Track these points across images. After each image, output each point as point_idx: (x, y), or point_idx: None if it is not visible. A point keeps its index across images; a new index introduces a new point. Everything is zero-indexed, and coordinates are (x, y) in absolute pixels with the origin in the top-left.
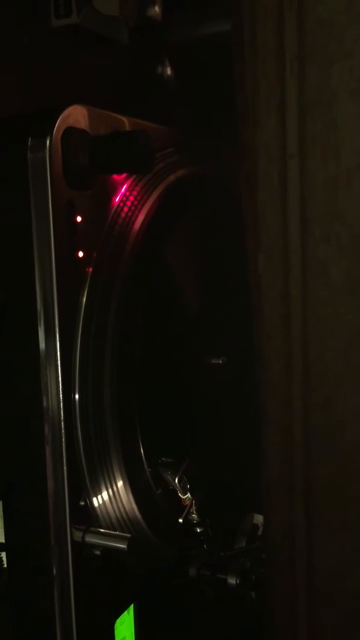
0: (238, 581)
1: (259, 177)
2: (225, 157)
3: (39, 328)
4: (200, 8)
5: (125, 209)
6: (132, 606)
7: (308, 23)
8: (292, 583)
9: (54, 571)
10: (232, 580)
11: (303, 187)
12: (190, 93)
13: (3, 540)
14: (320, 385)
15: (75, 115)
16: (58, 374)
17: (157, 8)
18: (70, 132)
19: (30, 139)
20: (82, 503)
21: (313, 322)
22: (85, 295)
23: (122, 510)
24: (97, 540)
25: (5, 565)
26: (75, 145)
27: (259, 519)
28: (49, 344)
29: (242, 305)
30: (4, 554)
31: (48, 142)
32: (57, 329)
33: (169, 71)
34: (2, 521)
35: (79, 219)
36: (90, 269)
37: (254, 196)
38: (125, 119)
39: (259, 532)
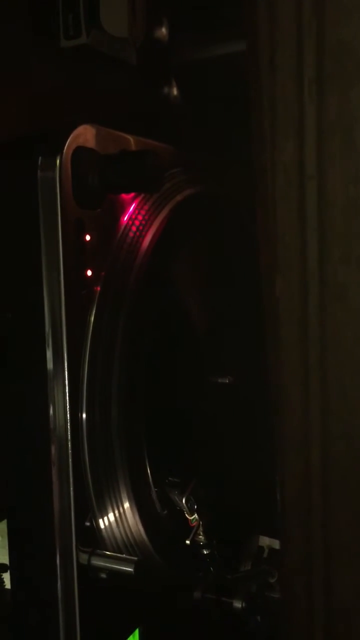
0: (243, 605)
1: (277, 198)
2: (232, 176)
3: (46, 347)
4: (207, 30)
5: (134, 228)
6: (137, 630)
7: (327, 45)
8: (308, 614)
9: (59, 594)
10: (237, 604)
11: (322, 208)
12: (197, 114)
13: (5, 561)
14: (339, 410)
15: (85, 135)
16: (65, 393)
17: (164, 29)
18: (80, 152)
19: (40, 157)
20: (88, 524)
21: (332, 346)
22: (94, 315)
23: (128, 532)
24: (103, 564)
25: (7, 587)
26: (85, 164)
27: (265, 541)
28: (57, 363)
29: (250, 325)
30: (5, 575)
31: (58, 161)
32: (65, 349)
33: (175, 92)
34: (6, 541)
35: (87, 237)
36: (99, 288)
37: (270, 217)
38: (133, 138)
39: (265, 555)
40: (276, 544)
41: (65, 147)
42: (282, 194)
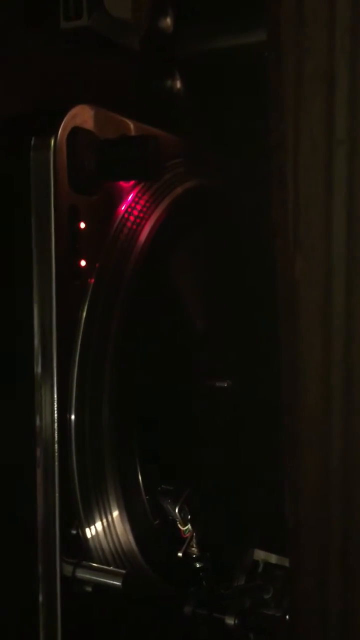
0: (236, 621)
1: (300, 167)
2: (234, 171)
3: (34, 341)
4: (213, 21)
5: (132, 218)
6: None
7: None
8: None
9: (41, 608)
10: (230, 621)
11: (353, 177)
12: (200, 106)
13: None
14: None
15: (83, 116)
16: (54, 392)
17: (169, 20)
18: (77, 133)
19: (33, 137)
20: (74, 532)
21: (359, 336)
22: (86, 309)
23: (117, 542)
24: (89, 576)
25: None
26: (82, 146)
27: (260, 555)
28: (45, 360)
29: (251, 326)
30: None
31: (53, 141)
32: (54, 345)
33: (178, 84)
34: None
35: (82, 225)
36: (93, 280)
37: (291, 190)
38: (133, 124)
39: (260, 569)
40: (272, 558)
41: (61, 127)
42: (306, 162)
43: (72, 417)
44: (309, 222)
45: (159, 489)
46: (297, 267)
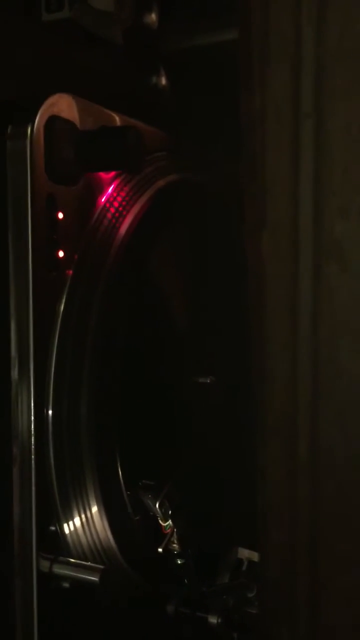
0: (220, 621)
1: (266, 142)
2: (220, 167)
3: (10, 333)
4: (197, 18)
5: (112, 210)
6: None
7: None
8: (290, 631)
9: (17, 605)
10: (213, 620)
11: (319, 152)
12: (185, 103)
13: None
14: (333, 392)
15: (61, 105)
16: (30, 386)
17: (153, 15)
18: (55, 121)
19: (10, 126)
20: (53, 528)
21: (326, 315)
22: (64, 301)
23: (95, 538)
24: (66, 572)
25: None
26: (60, 135)
27: (244, 553)
28: (21, 352)
29: (235, 321)
30: None
31: (29, 130)
32: (31, 336)
33: (163, 81)
34: None
35: (60, 215)
36: (71, 272)
37: (258, 165)
38: (116, 116)
39: (244, 568)
40: (256, 556)
41: (38, 115)
42: (272, 136)
43: (50, 412)
44: (274, 197)
45: (140, 484)
46: (264, 244)
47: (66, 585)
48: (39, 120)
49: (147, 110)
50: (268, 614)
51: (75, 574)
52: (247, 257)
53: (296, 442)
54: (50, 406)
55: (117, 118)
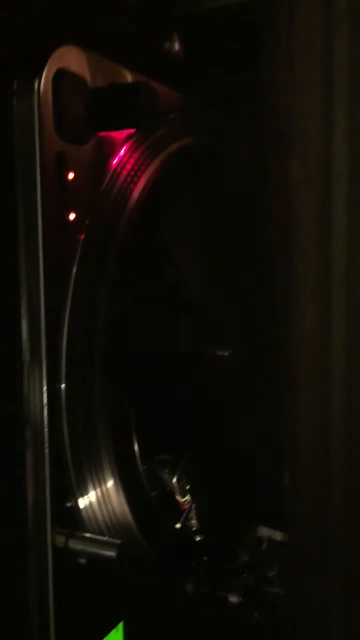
0: (240, 600)
1: (296, 58)
2: (235, 131)
3: (21, 301)
4: None
5: (125, 172)
6: (121, 624)
7: None
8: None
9: (32, 580)
10: (233, 599)
11: (355, 63)
12: (199, 68)
13: None
14: None
15: (70, 58)
16: (42, 358)
17: None
18: (63, 75)
19: (16, 81)
20: (68, 504)
21: None
22: (76, 266)
23: (111, 513)
24: (82, 547)
25: None
26: (69, 89)
27: (264, 531)
28: (32, 323)
29: (252, 291)
30: None
31: (36, 84)
32: (42, 303)
33: (177, 45)
34: None
35: (70, 175)
36: (83, 236)
37: (284, 85)
38: (128, 73)
39: (264, 546)
40: (276, 535)
41: (46, 68)
42: (303, 47)
43: (62, 385)
44: (303, 114)
45: (156, 458)
46: (293, 172)
47: (82, 560)
48: (46, 73)
49: (160, 74)
50: (300, 573)
51: (91, 548)
52: (271, 190)
53: (329, 396)
54: (63, 378)
55: (128, 75)
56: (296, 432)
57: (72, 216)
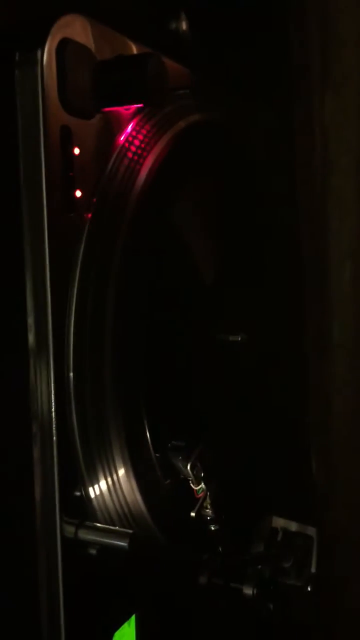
0: (255, 592)
1: None
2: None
3: (26, 282)
4: None
5: (133, 149)
6: (133, 617)
7: None
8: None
9: (41, 572)
10: (248, 591)
11: None
12: (207, 45)
13: None
14: None
15: (75, 27)
16: (49, 342)
17: None
18: (68, 44)
19: (18, 52)
20: (78, 493)
21: None
22: (83, 246)
23: (123, 502)
24: (92, 537)
25: None
26: (74, 60)
27: (279, 522)
28: (38, 303)
29: (266, 274)
30: None
31: (39, 54)
32: (48, 284)
33: (184, 25)
34: None
35: (76, 151)
36: (90, 215)
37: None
38: (135, 45)
39: (279, 538)
40: (292, 525)
41: (49, 38)
42: None
43: (71, 372)
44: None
45: (169, 445)
46: (327, 106)
47: (93, 551)
48: (50, 42)
49: (169, 50)
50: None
51: (102, 539)
52: (297, 133)
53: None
54: (72, 363)
55: (135, 48)
56: (332, 405)
57: (78, 193)
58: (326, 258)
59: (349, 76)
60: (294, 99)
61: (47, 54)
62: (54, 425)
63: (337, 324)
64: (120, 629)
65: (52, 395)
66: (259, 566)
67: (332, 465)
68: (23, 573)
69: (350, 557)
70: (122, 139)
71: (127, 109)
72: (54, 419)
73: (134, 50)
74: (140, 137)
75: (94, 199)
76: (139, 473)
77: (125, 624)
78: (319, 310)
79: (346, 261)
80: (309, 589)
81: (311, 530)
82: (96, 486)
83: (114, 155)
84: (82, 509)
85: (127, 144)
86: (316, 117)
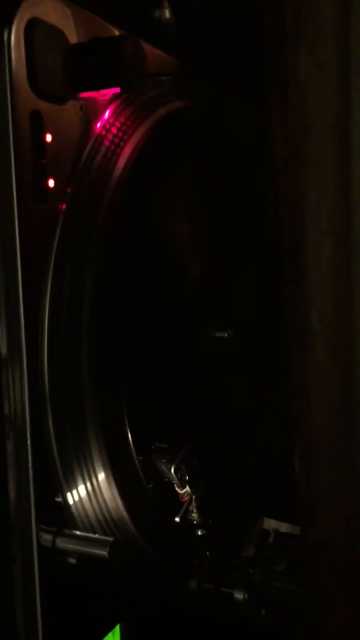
0: (246, 596)
1: None
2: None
3: None
4: None
5: (110, 137)
6: (118, 627)
7: None
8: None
9: (17, 583)
10: (239, 595)
11: None
12: (190, 34)
13: None
14: None
15: (45, 7)
16: (21, 338)
17: None
18: (37, 24)
19: None
20: (57, 499)
21: None
22: (57, 239)
23: (103, 508)
24: (71, 546)
25: None
26: (44, 41)
27: (270, 523)
28: (10, 301)
29: (252, 268)
30: None
31: (7, 35)
32: (19, 280)
33: (167, 13)
34: None
35: (48, 137)
36: (64, 206)
37: None
38: (114, 29)
39: (271, 539)
40: (283, 527)
41: (16, 17)
42: None
43: (46, 366)
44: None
45: (153, 447)
46: (302, 63)
47: (72, 560)
48: (17, 23)
49: (150, 37)
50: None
51: (81, 547)
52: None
53: (351, 344)
54: (46, 360)
55: (114, 31)
56: (311, 402)
57: (51, 183)
58: (304, 235)
59: (323, 32)
60: (268, 57)
61: (15, 35)
62: (27, 427)
63: (314, 310)
64: (104, 639)
65: (26, 394)
66: (250, 570)
67: (315, 469)
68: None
69: (336, 568)
70: (98, 126)
71: (103, 95)
72: (27, 420)
73: (113, 33)
74: (118, 124)
75: (69, 189)
76: (119, 477)
77: (110, 634)
78: (297, 293)
79: (325, 237)
80: (302, 592)
81: None
82: (75, 491)
83: (90, 143)
84: (60, 516)
85: (104, 132)
86: (290, 76)
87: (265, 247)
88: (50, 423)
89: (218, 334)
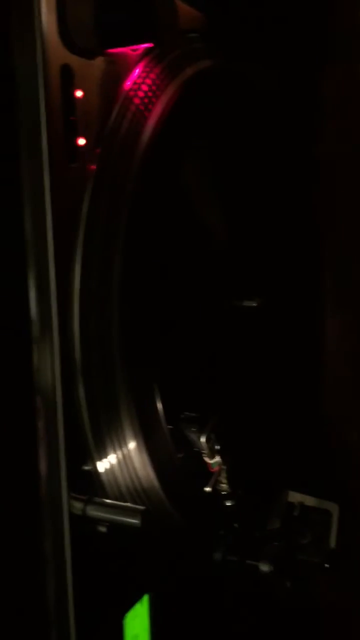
0: (272, 568)
1: None
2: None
3: (26, 236)
4: None
5: (141, 94)
6: (146, 597)
7: None
8: None
9: (47, 552)
10: (264, 568)
11: None
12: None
13: None
14: None
15: None
16: (52, 309)
17: None
18: None
19: None
20: (87, 468)
21: None
22: (89, 200)
23: (134, 476)
24: (102, 514)
25: None
26: None
27: (295, 497)
28: (40, 260)
29: (278, 237)
30: None
31: None
32: (50, 239)
33: None
34: None
35: (79, 93)
36: (95, 167)
37: None
38: None
39: (296, 513)
40: (308, 500)
41: None
42: None
43: (76, 333)
44: None
45: (182, 416)
46: None
47: (103, 529)
48: None
49: None
50: None
51: (112, 516)
52: None
53: None
54: (77, 331)
55: None
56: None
57: (81, 141)
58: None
59: None
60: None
61: None
62: (58, 398)
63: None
64: (133, 609)
65: (57, 367)
66: (276, 543)
67: None
68: (29, 553)
69: None
70: (128, 84)
71: (134, 50)
72: (59, 392)
73: None
74: (149, 81)
75: (98, 150)
76: (150, 446)
77: (138, 604)
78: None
79: None
80: (327, 565)
81: (329, 505)
82: (105, 460)
83: (120, 102)
84: (91, 485)
85: (133, 91)
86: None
87: (295, 214)
88: (82, 393)
89: (246, 303)
